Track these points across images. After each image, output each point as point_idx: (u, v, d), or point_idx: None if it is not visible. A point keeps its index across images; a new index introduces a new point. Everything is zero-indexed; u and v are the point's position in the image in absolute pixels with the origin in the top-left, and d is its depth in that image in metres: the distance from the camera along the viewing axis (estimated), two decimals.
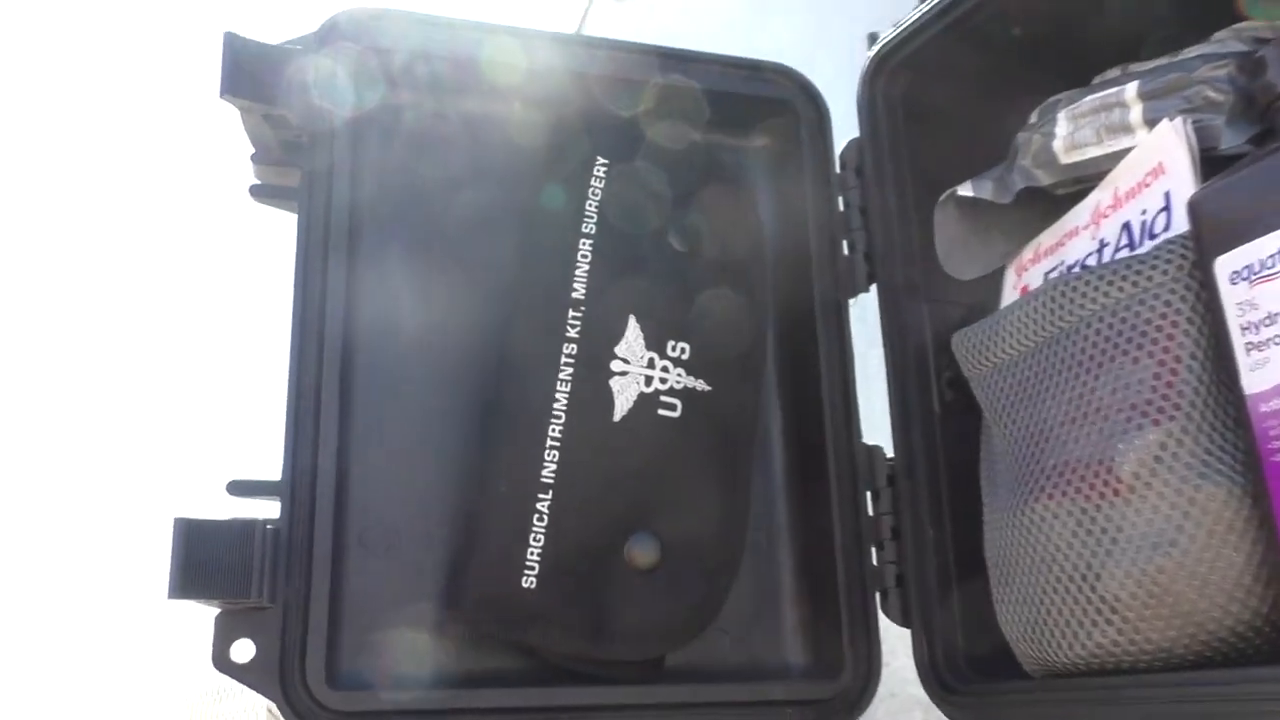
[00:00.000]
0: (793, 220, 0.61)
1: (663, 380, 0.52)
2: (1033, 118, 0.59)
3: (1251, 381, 0.40)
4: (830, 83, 0.66)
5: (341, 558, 0.49)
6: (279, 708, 0.45)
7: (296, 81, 0.50)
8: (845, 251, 0.61)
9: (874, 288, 0.60)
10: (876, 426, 0.58)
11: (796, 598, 0.56)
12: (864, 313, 0.61)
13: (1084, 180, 0.56)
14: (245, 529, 0.44)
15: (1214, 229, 0.43)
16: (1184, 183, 0.48)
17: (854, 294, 0.60)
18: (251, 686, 0.45)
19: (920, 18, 0.59)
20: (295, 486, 0.47)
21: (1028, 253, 0.59)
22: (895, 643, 0.56)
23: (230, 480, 0.47)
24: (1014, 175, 0.58)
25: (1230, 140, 0.48)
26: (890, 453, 0.57)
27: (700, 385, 0.53)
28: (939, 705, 0.51)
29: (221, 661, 0.45)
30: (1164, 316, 0.44)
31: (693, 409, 0.53)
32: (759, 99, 0.62)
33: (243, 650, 0.45)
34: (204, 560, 0.43)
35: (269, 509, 0.48)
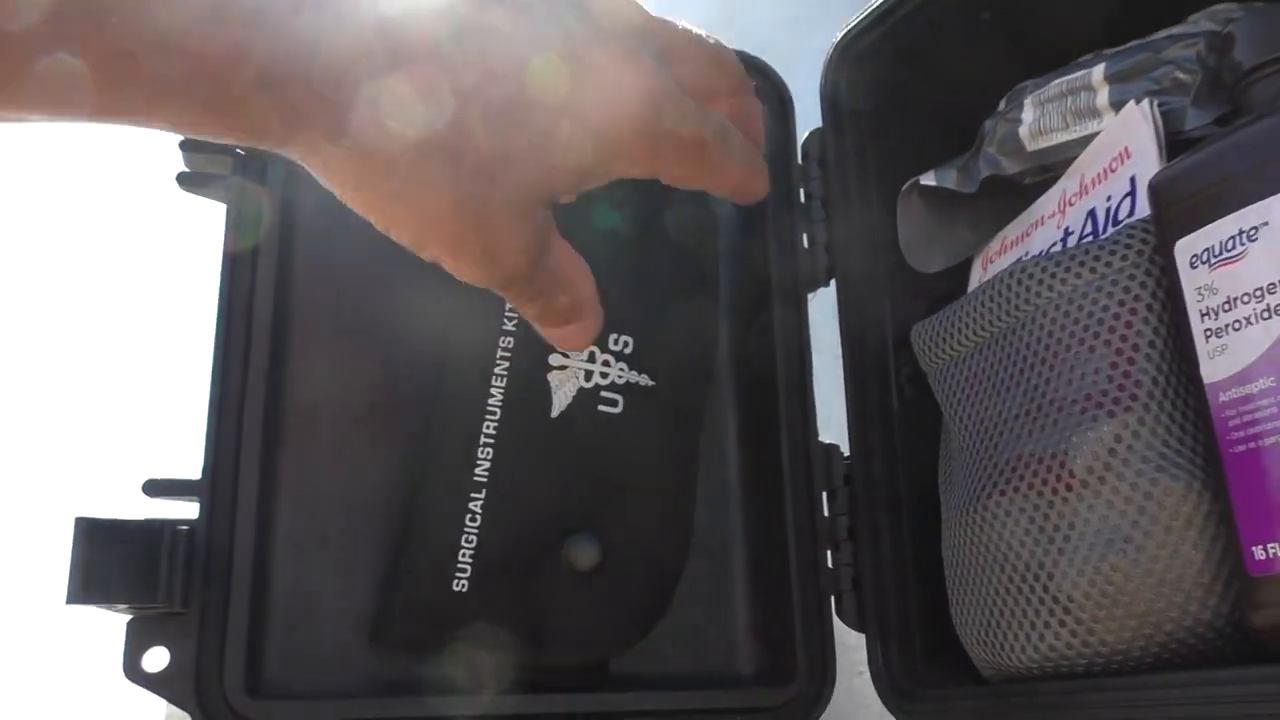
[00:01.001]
0: (752, 211, 0.59)
1: (604, 375, 0.50)
2: (1001, 105, 0.57)
3: (1211, 370, 0.38)
4: (804, 73, 0.64)
5: (266, 560, 0.47)
6: (194, 719, 0.43)
7: None
8: (805, 244, 0.59)
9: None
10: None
11: (748, 602, 0.54)
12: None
13: (1051, 168, 0.54)
14: (152, 529, 0.42)
15: (1174, 211, 0.41)
16: (1149, 167, 0.46)
17: (814, 288, 0.58)
18: (165, 698, 0.43)
19: (886, 2, 0.57)
20: (215, 485, 0.45)
21: (995, 245, 0.57)
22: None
23: (146, 480, 0.45)
24: (979, 163, 0.56)
25: (1195, 121, 0.46)
26: (847, 451, 0.55)
27: (644, 380, 0.51)
28: (894, 713, 0.49)
29: (133, 671, 0.43)
30: (1122, 304, 0.42)
31: (635, 405, 0.51)
32: None
33: (156, 659, 0.43)
34: (106, 563, 0.41)
35: (190, 510, 0.46)
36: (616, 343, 0.51)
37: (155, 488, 0.45)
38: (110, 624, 0.43)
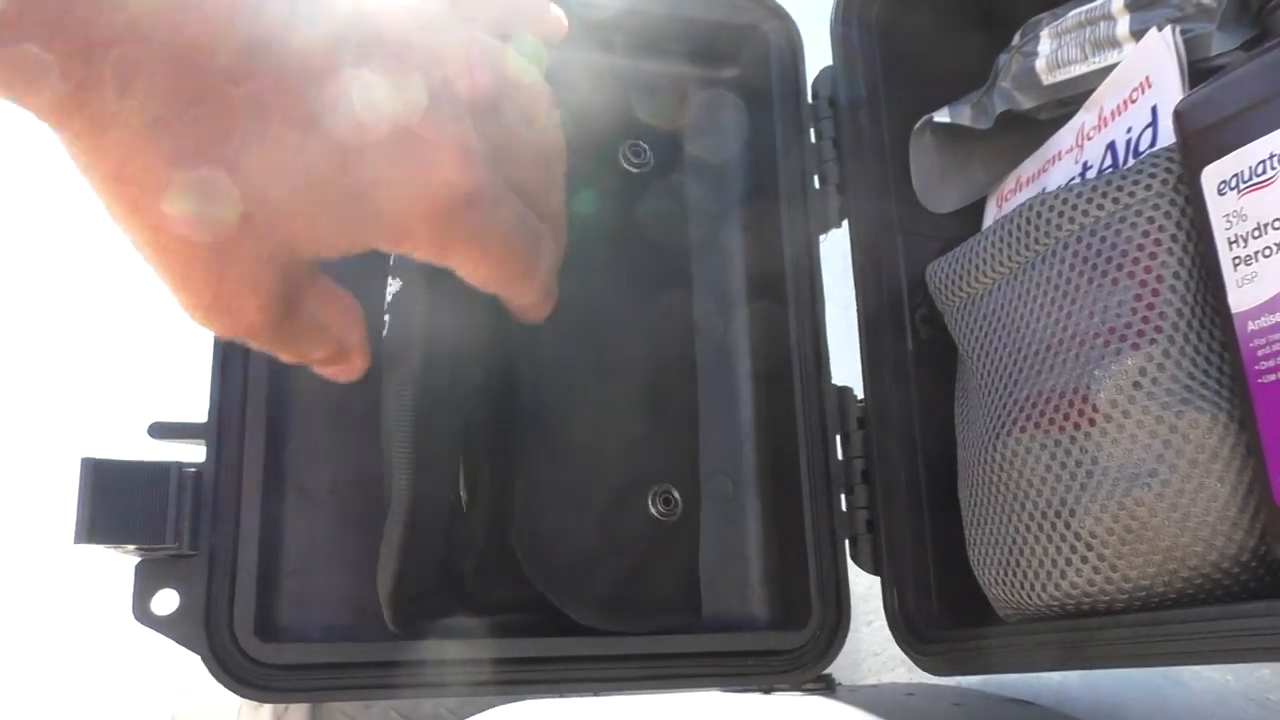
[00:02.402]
0: (762, 153, 0.58)
1: None
2: (1016, 38, 0.55)
3: (1239, 299, 0.37)
4: (815, 10, 0.62)
5: (277, 503, 0.46)
6: (204, 661, 0.43)
7: None
8: (816, 185, 0.58)
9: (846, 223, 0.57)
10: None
11: (762, 546, 0.53)
12: None
13: (1068, 102, 0.53)
14: (158, 470, 0.42)
15: (1201, 138, 0.40)
16: (1171, 96, 0.45)
17: (825, 229, 0.57)
18: (175, 640, 0.42)
19: None
20: (222, 428, 0.45)
21: (1010, 182, 0.56)
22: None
23: (152, 423, 0.44)
24: (993, 99, 0.54)
25: (1221, 46, 0.45)
26: (861, 394, 0.54)
27: None
28: (909, 655, 0.48)
29: (142, 613, 0.42)
30: (1146, 235, 0.41)
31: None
32: (726, 25, 0.59)
33: (165, 601, 0.43)
34: (113, 503, 0.40)
35: (197, 453, 0.45)
36: None
37: (161, 430, 0.44)
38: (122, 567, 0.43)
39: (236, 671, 0.43)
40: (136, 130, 0.28)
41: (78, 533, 0.39)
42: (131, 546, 0.41)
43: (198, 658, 0.43)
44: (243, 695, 0.43)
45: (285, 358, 0.36)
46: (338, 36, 0.30)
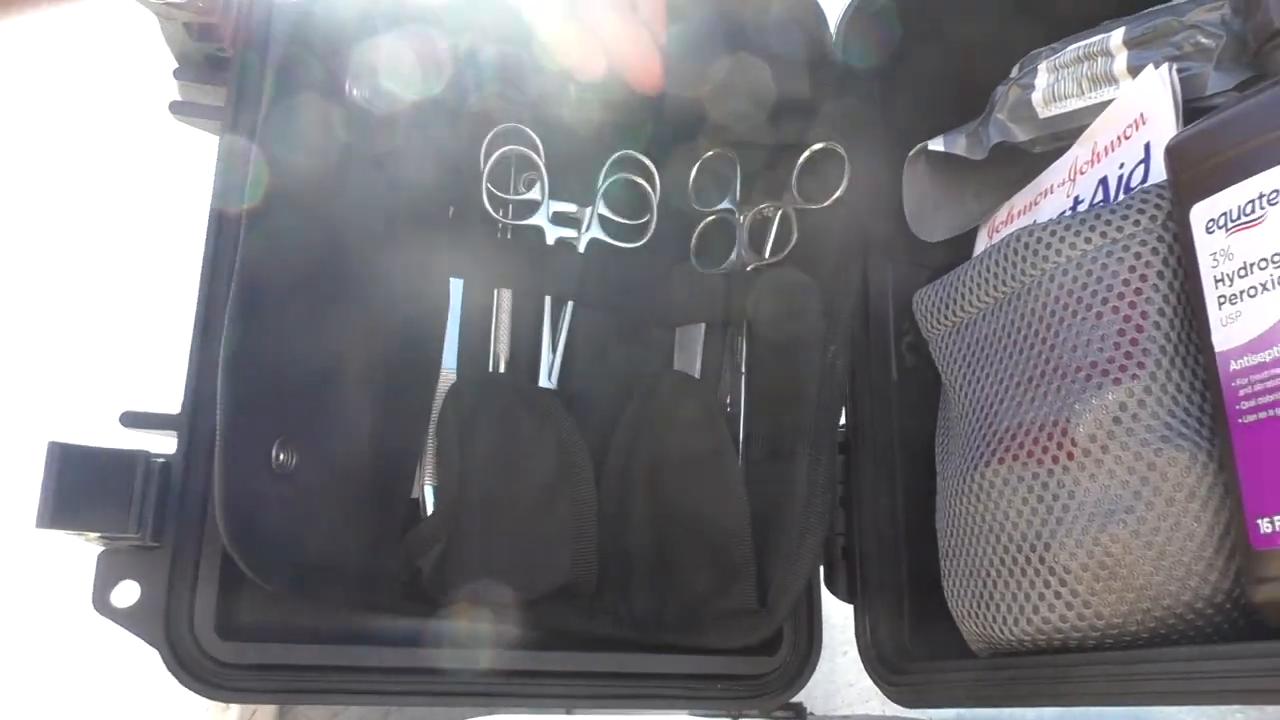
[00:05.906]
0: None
1: None
2: (1014, 71, 0.55)
3: (1222, 337, 0.37)
4: None
5: None
6: (162, 657, 0.42)
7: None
8: None
9: None
10: None
11: None
12: None
13: (1063, 136, 0.53)
14: (126, 458, 0.41)
15: (1192, 175, 0.39)
16: (1165, 133, 0.45)
17: None
18: (134, 633, 0.42)
19: None
20: (195, 420, 0.44)
21: (1002, 214, 0.56)
22: None
23: (124, 411, 0.43)
24: (989, 129, 0.54)
25: (1217, 85, 0.45)
26: (843, 420, 0.54)
27: None
28: (879, 686, 0.48)
29: (102, 604, 0.41)
30: (1133, 270, 0.41)
31: None
32: None
33: (126, 594, 0.42)
34: (78, 489, 0.39)
35: (168, 444, 0.45)
36: None
37: (133, 419, 0.43)
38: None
39: (194, 669, 0.42)
40: None
41: (39, 516, 0.39)
42: (94, 534, 0.40)
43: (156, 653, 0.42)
44: (199, 693, 0.42)
45: None
46: None
